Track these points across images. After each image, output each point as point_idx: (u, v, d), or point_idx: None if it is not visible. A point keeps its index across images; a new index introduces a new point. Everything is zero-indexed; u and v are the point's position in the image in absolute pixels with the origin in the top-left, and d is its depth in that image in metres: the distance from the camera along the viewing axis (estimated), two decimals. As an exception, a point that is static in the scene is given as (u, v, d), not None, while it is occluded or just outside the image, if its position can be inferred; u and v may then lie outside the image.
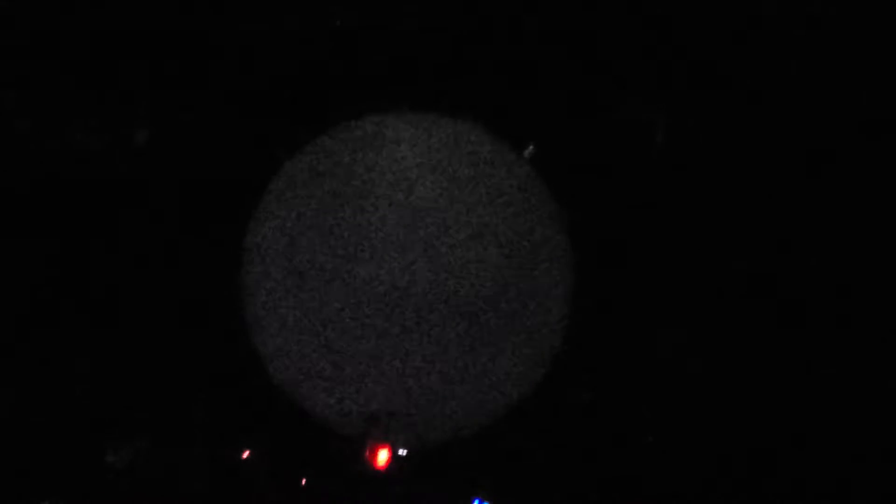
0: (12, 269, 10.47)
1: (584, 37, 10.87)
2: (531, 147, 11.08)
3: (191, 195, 10.80)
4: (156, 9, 10.62)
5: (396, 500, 10.69)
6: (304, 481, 10.81)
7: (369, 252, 10.97)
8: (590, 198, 10.94)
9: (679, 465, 10.62)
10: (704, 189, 10.83)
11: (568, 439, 10.83)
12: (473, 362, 10.93)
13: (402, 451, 10.89)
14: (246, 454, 10.56)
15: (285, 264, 10.94)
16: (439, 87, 10.94)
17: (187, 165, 10.82)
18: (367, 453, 10.22)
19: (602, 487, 10.62)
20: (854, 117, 10.62)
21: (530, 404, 10.96)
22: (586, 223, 10.91)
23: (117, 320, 10.81)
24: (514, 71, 10.90)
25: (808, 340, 10.71)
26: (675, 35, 10.84)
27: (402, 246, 10.97)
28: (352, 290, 10.95)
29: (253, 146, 10.88)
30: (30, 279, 10.59)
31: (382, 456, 10.26)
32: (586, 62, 10.90)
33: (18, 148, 10.50)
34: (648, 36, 10.85)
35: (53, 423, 10.58)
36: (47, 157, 10.51)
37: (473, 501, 10.73)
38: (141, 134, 10.61)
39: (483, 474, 10.80)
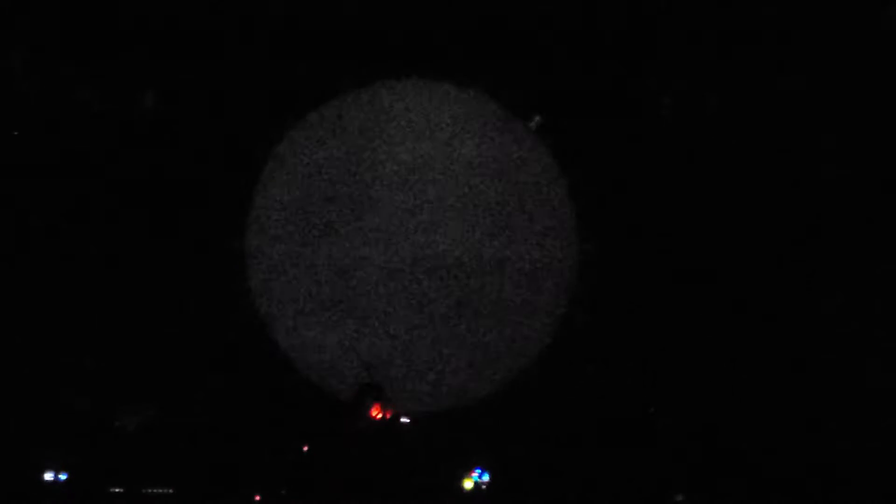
0: (22, 225, 10.51)
1: (591, 10, 10.91)
2: (538, 117, 11.11)
3: (197, 158, 10.79)
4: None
5: (397, 467, 10.66)
6: (305, 448, 10.77)
7: (373, 219, 11.02)
8: (595, 168, 10.99)
9: (678, 436, 10.62)
10: (710, 160, 10.87)
11: (569, 410, 10.80)
12: (475, 330, 10.97)
13: (404, 419, 10.89)
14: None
15: (289, 229, 10.98)
16: (449, 56, 10.96)
17: (194, 129, 10.80)
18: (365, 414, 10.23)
19: (601, 458, 10.61)
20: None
21: (532, 374, 10.98)
22: (591, 193, 10.97)
23: (121, 285, 10.77)
24: (523, 42, 10.93)
25: (806, 322, 10.76)
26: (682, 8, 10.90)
27: (405, 213, 11.01)
28: (355, 256, 10.99)
29: (260, 111, 10.88)
30: (36, 241, 10.60)
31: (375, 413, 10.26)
32: (594, 35, 10.92)
33: (27, 108, 10.52)
34: (655, 8, 10.90)
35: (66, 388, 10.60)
36: (53, 116, 10.54)
37: (475, 470, 10.70)
38: (149, 96, 10.59)
39: (484, 443, 10.77)
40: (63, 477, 10.41)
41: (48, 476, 10.39)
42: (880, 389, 10.46)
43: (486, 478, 10.68)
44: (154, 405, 10.65)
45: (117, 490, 10.50)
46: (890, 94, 10.69)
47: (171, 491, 10.54)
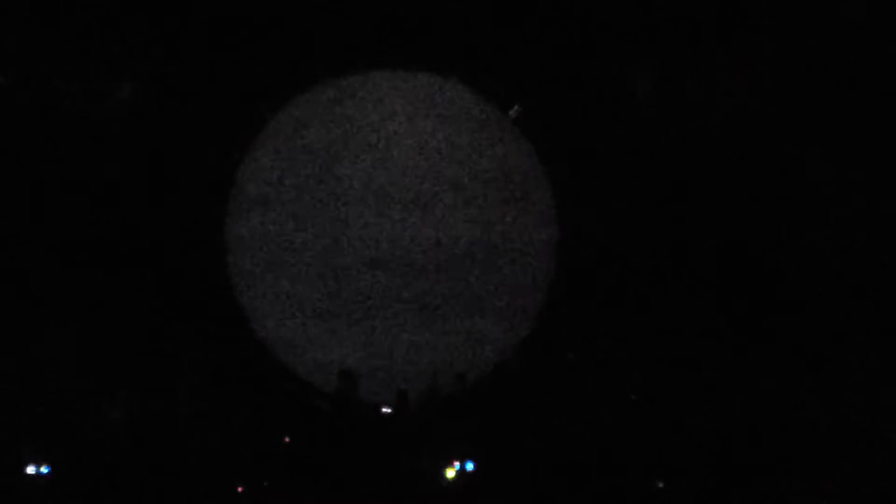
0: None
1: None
2: (517, 106, 11.11)
3: (174, 151, 10.78)
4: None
5: (380, 459, 10.69)
6: (287, 439, 10.80)
7: (351, 208, 11.02)
8: (574, 156, 11.01)
9: (659, 423, 10.65)
10: (688, 146, 10.89)
11: (552, 398, 10.82)
12: (455, 319, 10.99)
13: (385, 410, 10.93)
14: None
15: (269, 222, 10.98)
16: (426, 45, 10.96)
17: (171, 120, 10.78)
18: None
19: (582, 446, 10.64)
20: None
21: (514, 363, 11.00)
22: (570, 181, 10.99)
23: (102, 278, 10.76)
24: (501, 31, 10.93)
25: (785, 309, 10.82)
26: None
27: (383, 202, 11.02)
28: (334, 246, 11.00)
29: (237, 102, 10.86)
30: (17, 233, 10.59)
31: None
32: (572, 23, 10.93)
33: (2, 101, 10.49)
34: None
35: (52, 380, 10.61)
36: (31, 110, 10.52)
37: (457, 462, 10.70)
38: (125, 87, 10.56)
39: (467, 432, 10.79)
40: (45, 470, 10.39)
41: (30, 469, 10.37)
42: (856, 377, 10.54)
43: (469, 466, 10.69)
44: (137, 396, 10.63)
45: (100, 482, 10.48)
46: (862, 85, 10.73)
47: (154, 482, 10.52)
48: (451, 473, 10.61)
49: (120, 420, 10.61)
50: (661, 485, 10.48)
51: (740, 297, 10.81)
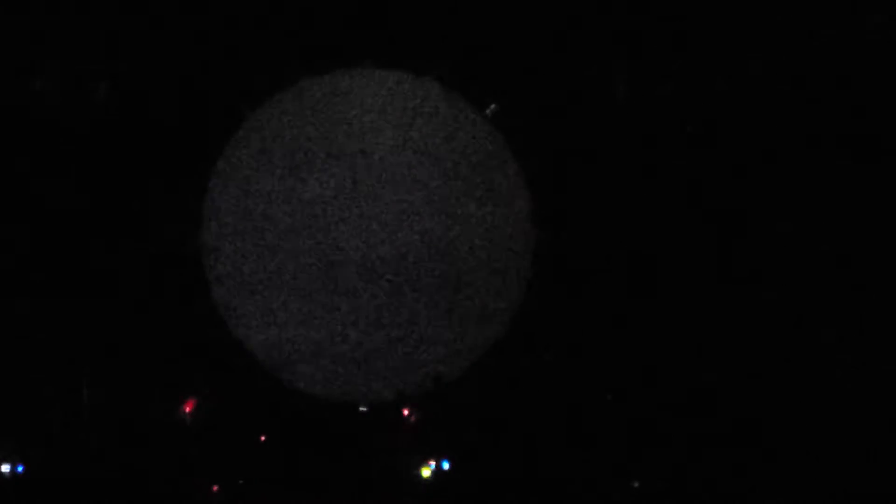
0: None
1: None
2: (493, 106, 11.10)
3: (151, 149, 10.75)
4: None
5: (354, 458, 10.72)
6: (262, 438, 10.81)
7: (329, 208, 11.02)
8: (550, 156, 10.99)
9: (635, 423, 10.66)
10: (665, 145, 10.89)
11: (526, 399, 10.83)
12: (431, 320, 10.99)
13: (361, 409, 10.95)
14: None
15: (246, 220, 10.96)
16: (402, 43, 10.96)
17: (148, 119, 10.76)
18: None
19: (558, 446, 10.65)
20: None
21: (489, 363, 10.99)
22: (547, 181, 10.98)
23: (77, 274, 10.74)
24: (477, 29, 10.93)
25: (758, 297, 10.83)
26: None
27: (361, 202, 11.01)
28: (312, 246, 10.99)
29: (215, 100, 10.84)
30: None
31: None
32: (549, 21, 10.93)
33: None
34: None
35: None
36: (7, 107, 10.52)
37: (432, 463, 10.70)
38: (102, 86, 10.54)
39: (441, 433, 10.80)
40: (20, 469, 10.41)
41: (5, 468, 10.38)
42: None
43: (445, 465, 10.71)
44: (110, 395, 10.62)
45: (74, 481, 10.49)
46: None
47: (130, 481, 10.55)
48: (426, 472, 10.63)
49: (93, 417, 10.62)
50: (636, 485, 10.51)
51: (721, 298, 10.81)
